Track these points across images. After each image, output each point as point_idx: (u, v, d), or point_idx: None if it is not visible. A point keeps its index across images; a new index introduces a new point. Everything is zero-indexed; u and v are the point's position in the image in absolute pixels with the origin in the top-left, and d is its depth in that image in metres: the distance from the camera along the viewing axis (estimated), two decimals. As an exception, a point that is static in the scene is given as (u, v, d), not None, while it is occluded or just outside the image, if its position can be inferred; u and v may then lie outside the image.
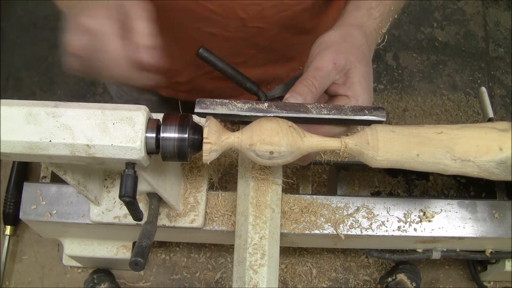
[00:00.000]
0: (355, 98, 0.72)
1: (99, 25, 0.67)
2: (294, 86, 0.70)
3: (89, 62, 0.69)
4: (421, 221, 0.90)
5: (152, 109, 1.23)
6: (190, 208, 0.86)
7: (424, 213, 0.91)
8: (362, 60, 0.73)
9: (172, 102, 1.23)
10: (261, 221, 0.79)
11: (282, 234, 0.87)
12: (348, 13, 0.79)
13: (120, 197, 0.63)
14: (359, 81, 0.72)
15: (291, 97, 0.70)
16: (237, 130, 0.70)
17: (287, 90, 0.71)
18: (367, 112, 0.70)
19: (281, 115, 0.69)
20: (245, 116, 0.70)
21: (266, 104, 0.70)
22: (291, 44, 1.06)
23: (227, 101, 0.69)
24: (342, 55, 0.71)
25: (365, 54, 0.74)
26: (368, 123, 0.70)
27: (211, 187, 0.90)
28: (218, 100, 0.69)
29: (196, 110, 0.69)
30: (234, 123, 0.85)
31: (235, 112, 0.69)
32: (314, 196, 0.91)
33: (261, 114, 0.69)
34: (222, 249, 1.17)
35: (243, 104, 0.69)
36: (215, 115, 0.69)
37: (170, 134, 0.65)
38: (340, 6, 1.13)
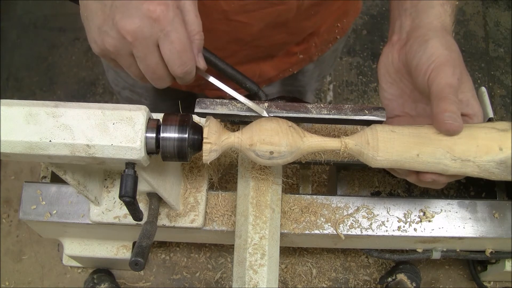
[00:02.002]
0: (477, 116, 0.69)
1: (164, 10, 0.61)
2: (441, 105, 0.65)
3: (142, 52, 0.64)
4: (421, 221, 0.90)
5: (147, 96, 1.22)
6: (190, 208, 0.86)
7: (424, 213, 0.91)
8: (464, 69, 0.70)
9: (167, 89, 1.22)
10: (261, 221, 0.79)
11: (282, 234, 0.87)
12: (423, 12, 0.74)
13: (120, 197, 0.63)
14: (473, 95, 0.69)
15: (448, 116, 0.65)
16: (237, 130, 0.70)
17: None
18: (367, 112, 0.70)
19: (281, 115, 0.69)
20: (245, 116, 0.70)
21: (266, 104, 0.70)
22: (274, 42, 1.05)
23: (227, 101, 0.69)
24: (458, 69, 0.68)
25: (462, 60, 0.71)
26: (368, 123, 0.70)
27: (211, 187, 0.90)
28: (218, 100, 0.69)
29: (196, 110, 0.69)
30: (234, 123, 0.85)
31: (235, 112, 0.69)
32: (314, 196, 0.91)
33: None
34: (222, 249, 1.17)
35: (243, 104, 0.69)
36: (215, 115, 0.69)
37: (170, 134, 0.65)
38: (336, 17, 1.14)
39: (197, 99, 0.70)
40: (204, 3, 0.88)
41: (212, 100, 0.69)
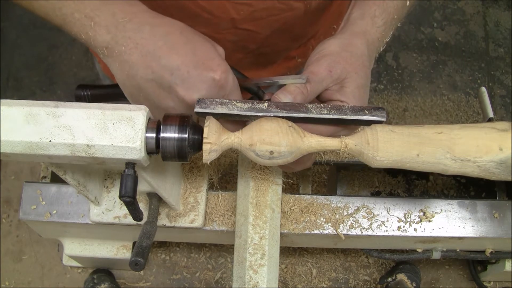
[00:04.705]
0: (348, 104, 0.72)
1: (226, 77, 0.68)
2: (286, 85, 0.72)
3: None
4: (421, 221, 0.90)
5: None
6: (190, 208, 0.86)
7: (424, 213, 0.91)
8: (360, 71, 0.73)
9: None
10: (261, 221, 0.79)
11: (282, 234, 0.87)
12: (352, 21, 0.79)
13: (120, 197, 0.63)
14: (353, 91, 0.72)
15: (281, 94, 0.71)
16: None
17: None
18: (367, 112, 0.70)
19: (281, 115, 0.69)
20: (245, 116, 0.70)
21: (266, 104, 0.70)
22: (278, 49, 1.06)
23: (227, 100, 0.69)
24: (339, 65, 0.72)
25: (365, 65, 0.74)
26: (368, 123, 0.70)
27: (211, 187, 0.91)
28: (218, 100, 0.69)
29: (196, 110, 0.68)
30: (234, 123, 0.85)
31: (235, 112, 0.69)
32: (314, 196, 0.91)
33: (261, 114, 0.69)
34: (222, 249, 1.17)
35: (243, 104, 0.69)
36: (215, 115, 0.69)
37: (170, 134, 0.65)
38: (332, 19, 1.14)
39: (197, 99, 0.69)
40: (213, 13, 0.88)
41: (212, 100, 0.69)
